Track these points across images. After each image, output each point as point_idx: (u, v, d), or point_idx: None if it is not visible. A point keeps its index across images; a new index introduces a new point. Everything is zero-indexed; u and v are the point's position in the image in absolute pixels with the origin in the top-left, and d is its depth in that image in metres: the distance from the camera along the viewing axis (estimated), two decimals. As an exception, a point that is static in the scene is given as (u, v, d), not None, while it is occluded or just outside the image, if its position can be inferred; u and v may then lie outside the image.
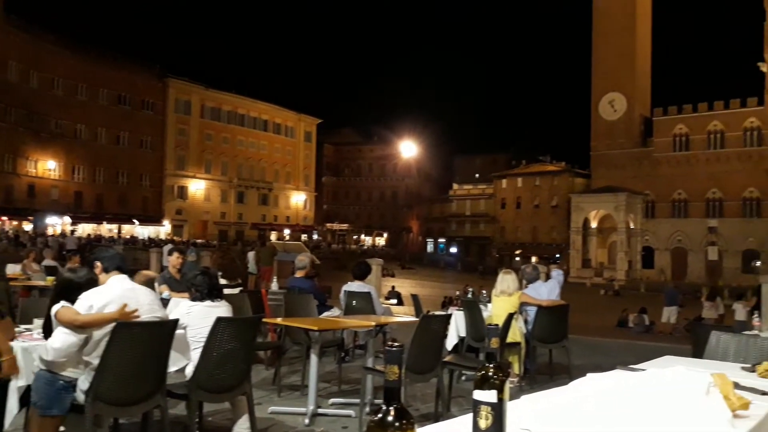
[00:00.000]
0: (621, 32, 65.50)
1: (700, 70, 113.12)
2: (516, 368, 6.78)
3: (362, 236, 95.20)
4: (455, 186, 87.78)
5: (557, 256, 71.58)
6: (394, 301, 24.54)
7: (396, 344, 1.35)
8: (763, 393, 2.79)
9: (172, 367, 4.25)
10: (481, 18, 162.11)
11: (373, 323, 5.89)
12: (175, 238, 58.71)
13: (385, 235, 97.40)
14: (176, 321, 4.05)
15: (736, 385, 2.57)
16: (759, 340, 4.65)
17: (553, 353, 8.42)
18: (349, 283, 7.96)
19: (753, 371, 3.45)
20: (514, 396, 2.16)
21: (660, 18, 70.07)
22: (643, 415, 1.89)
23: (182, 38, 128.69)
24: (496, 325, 1.89)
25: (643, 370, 3.01)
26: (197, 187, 70.56)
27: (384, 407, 1.30)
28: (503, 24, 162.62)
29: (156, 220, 65.06)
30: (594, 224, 63.93)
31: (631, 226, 61.24)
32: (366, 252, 73.91)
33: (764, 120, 56.22)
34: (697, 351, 5.60)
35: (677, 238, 61.51)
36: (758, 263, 56.01)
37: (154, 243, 44.11)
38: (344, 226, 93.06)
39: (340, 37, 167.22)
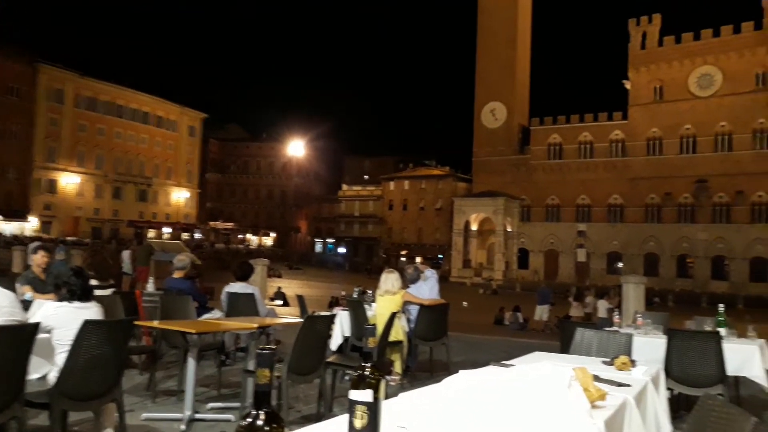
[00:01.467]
0: (503, 46, 68.91)
1: (574, 84, 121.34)
2: (398, 366, 6.90)
3: (248, 236, 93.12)
4: (345, 187, 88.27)
5: (440, 256, 73.98)
6: (280, 302, 24.18)
7: (268, 347, 1.32)
8: (620, 384, 3.03)
9: (34, 375, 3.92)
10: (372, 22, 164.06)
11: (255, 325, 5.76)
12: (42, 235, 54.36)
13: (273, 234, 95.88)
14: (37, 324, 3.74)
15: (596, 378, 2.78)
16: (618, 336, 5.05)
17: (434, 350, 8.67)
18: (231, 284, 7.75)
19: (611, 364, 3.74)
20: (393, 394, 2.19)
21: (539, 35, 74.54)
22: (510, 408, 1.98)
23: (59, 24, 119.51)
24: (373, 325, 1.91)
25: (514, 365, 3.17)
26: (69, 181, 65.80)
27: (253, 411, 1.28)
28: (394, 31, 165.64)
29: (21, 216, 59.95)
30: (474, 227, 66.67)
31: (509, 229, 64.45)
32: (252, 252, 72.32)
33: (628, 133, 61.27)
34: (565, 347, 5.97)
35: (550, 241, 65.52)
36: (621, 265, 61.01)
37: (18, 240, 40.62)
38: (229, 224, 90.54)
39: (229, 31, 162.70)
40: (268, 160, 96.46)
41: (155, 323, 5.97)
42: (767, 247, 53.78)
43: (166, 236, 64.88)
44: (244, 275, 7.80)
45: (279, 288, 27.65)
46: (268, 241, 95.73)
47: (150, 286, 10.15)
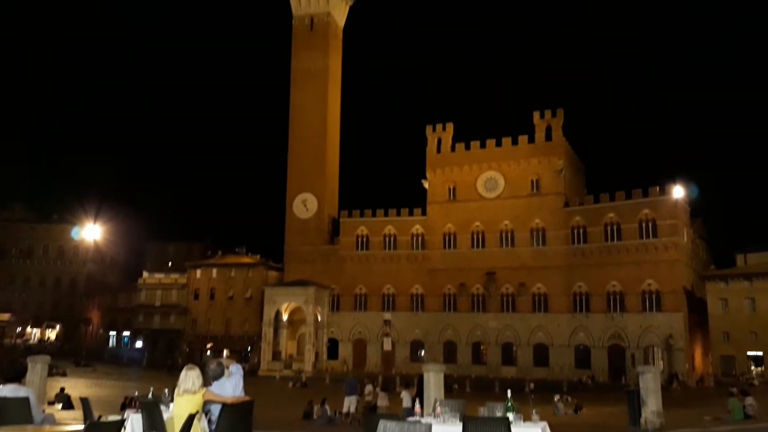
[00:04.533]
0: (314, 140, 71.84)
1: (380, 180, 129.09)
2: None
3: (28, 328, 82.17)
4: (145, 274, 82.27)
5: (249, 348, 71.41)
6: (60, 405, 21.42)
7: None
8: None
9: None
10: (183, 106, 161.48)
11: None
12: None
13: (58, 327, 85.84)
14: None
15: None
16: (418, 426, 5.27)
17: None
18: (0, 386, 6.76)
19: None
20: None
21: (348, 132, 78.94)
22: None
23: None
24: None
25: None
26: None
27: None
28: (204, 115, 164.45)
29: None
30: (285, 316, 65.88)
31: (319, 318, 64.67)
32: (31, 348, 63.72)
33: (427, 228, 66.05)
34: (368, 439, 6.05)
35: (358, 330, 66.77)
36: (423, 353, 63.79)
37: None
38: (5, 316, 79.33)
39: (14, 101, 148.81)
40: (58, 243, 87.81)
41: None
42: (547, 335, 60.02)
43: None
44: (16, 376, 6.88)
45: (62, 389, 24.61)
46: (52, 334, 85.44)
47: None
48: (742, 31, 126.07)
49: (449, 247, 64.94)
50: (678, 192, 56.41)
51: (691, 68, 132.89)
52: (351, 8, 79.01)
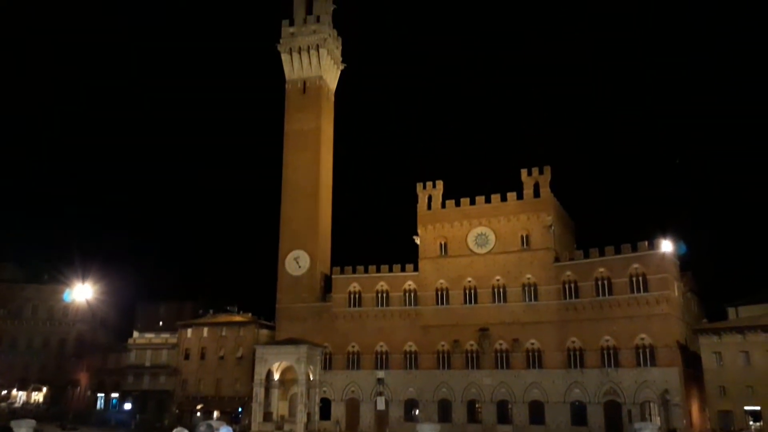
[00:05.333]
0: (306, 198, 72.76)
1: (372, 237, 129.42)
2: None
3: (14, 391, 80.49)
4: (135, 334, 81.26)
5: (240, 410, 70.04)
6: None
7: None
8: None
9: None
10: (172, 167, 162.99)
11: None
12: None
13: (45, 389, 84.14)
14: None
15: None
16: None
17: None
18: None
19: None
20: None
21: (340, 189, 79.90)
22: None
23: None
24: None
25: None
26: None
27: None
28: (195, 174, 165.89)
29: None
30: (277, 375, 64.95)
31: (311, 377, 63.72)
32: (16, 411, 62.34)
33: (419, 283, 66.15)
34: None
35: (351, 389, 65.83)
36: (417, 412, 62.79)
37: None
38: (-10, 379, 77.91)
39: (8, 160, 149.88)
40: (48, 303, 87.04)
41: None
42: (542, 391, 59.39)
43: None
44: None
45: (47, 454, 24.18)
46: (39, 397, 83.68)
47: None
48: (727, 84, 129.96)
49: (442, 303, 64.92)
50: (667, 246, 57.12)
51: (678, 121, 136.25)
52: (342, 71, 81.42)
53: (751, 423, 54.24)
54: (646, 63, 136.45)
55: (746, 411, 54.79)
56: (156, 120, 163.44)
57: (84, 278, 58.16)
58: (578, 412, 57.76)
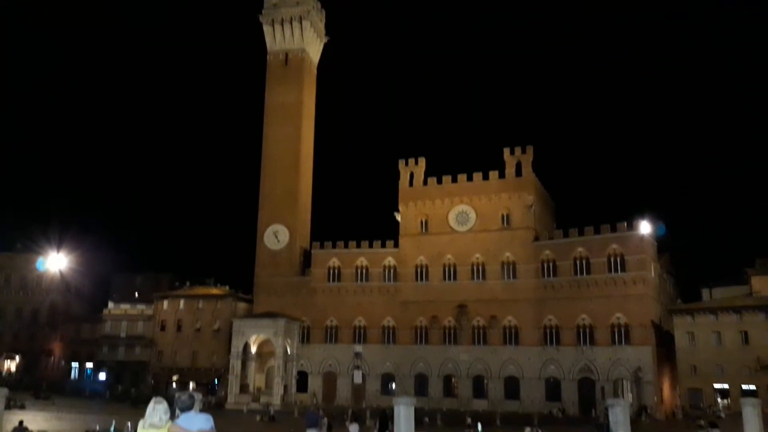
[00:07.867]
0: (287, 171, 72.00)
1: (353, 213, 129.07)
2: None
3: (-14, 361, 79.39)
4: (111, 305, 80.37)
5: (216, 381, 69.96)
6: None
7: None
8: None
9: None
10: (152, 139, 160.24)
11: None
12: None
13: (18, 358, 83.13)
14: None
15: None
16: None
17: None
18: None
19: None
20: None
21: (321, 164, 79.20)
22: None
23: None
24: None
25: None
26: None
27: None
28: (173, 147, 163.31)
29: None
30: (254, 349, 64.84)
31: (288, 351, 63.80)
32: (-12, 380, 61.50)
33: (399, 260, 66.13)
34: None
35: (328, 363, 66.01)
36: (394, 386, 63.24)
37: None
38: (-39, 348, 76.63)
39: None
40: (20, 273, 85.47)
41: None
42: (518, 367, 60.11)
43: None
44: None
45: (21, 422, 23.80)
46: (12, 366, 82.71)
47: None
48: (710, 72, 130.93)
49: (421, 279, 65.02)
50: (645, 227, 57.66)
51: (659, 103, 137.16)
52: (325, 45, 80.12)
53: (719, 400, 55.63)
54: (626, 44, 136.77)
55: (715, 389, 56.18)
56: (133, 89, 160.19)
57: (59, 248, 56.99)
58: (553, 388, 58.64)
